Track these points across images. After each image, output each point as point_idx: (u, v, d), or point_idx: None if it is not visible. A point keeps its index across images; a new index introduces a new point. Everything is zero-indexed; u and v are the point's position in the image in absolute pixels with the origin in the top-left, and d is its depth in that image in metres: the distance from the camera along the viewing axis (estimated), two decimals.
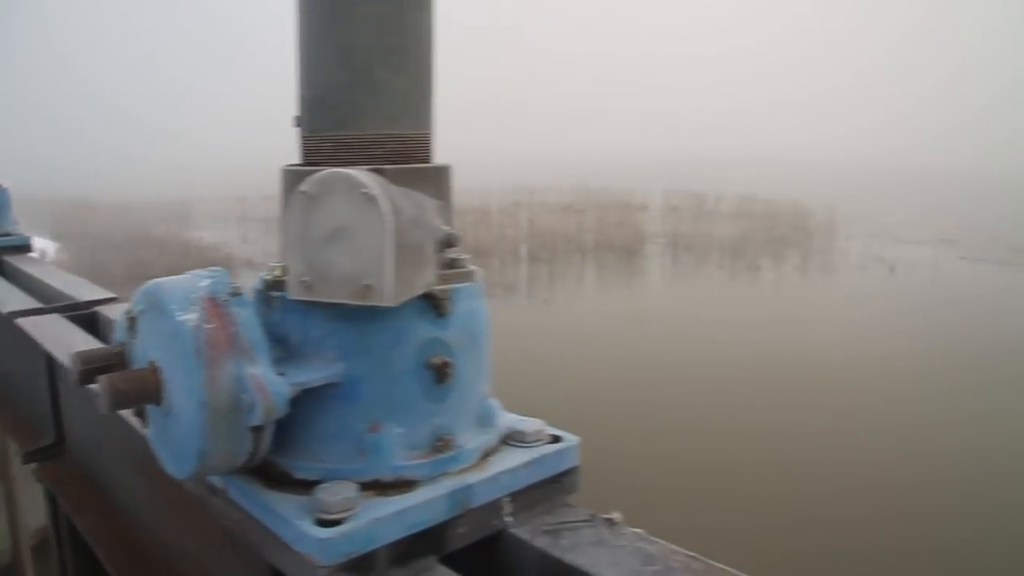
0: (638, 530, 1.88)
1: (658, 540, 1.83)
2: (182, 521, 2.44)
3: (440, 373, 1.83)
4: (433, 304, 1.84)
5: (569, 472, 2.10)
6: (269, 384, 1.64)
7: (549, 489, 2.03)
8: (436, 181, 1.94)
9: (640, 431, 17.37)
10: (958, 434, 17.82)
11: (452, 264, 1.93)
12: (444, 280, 1.89)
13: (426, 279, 1.80)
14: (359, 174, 1.66)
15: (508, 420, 2.11)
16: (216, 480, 1.94)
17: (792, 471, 15.58)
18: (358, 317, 1.75)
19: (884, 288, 36.00)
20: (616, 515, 1.92)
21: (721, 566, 1.67)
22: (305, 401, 1.78)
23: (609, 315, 29.34)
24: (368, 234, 1.63)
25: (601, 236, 45.90)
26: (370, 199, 1.62)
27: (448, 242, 1.85)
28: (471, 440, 1.93)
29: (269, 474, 1.86)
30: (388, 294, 1.64)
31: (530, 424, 2.09)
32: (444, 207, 1.92)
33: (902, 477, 15.34)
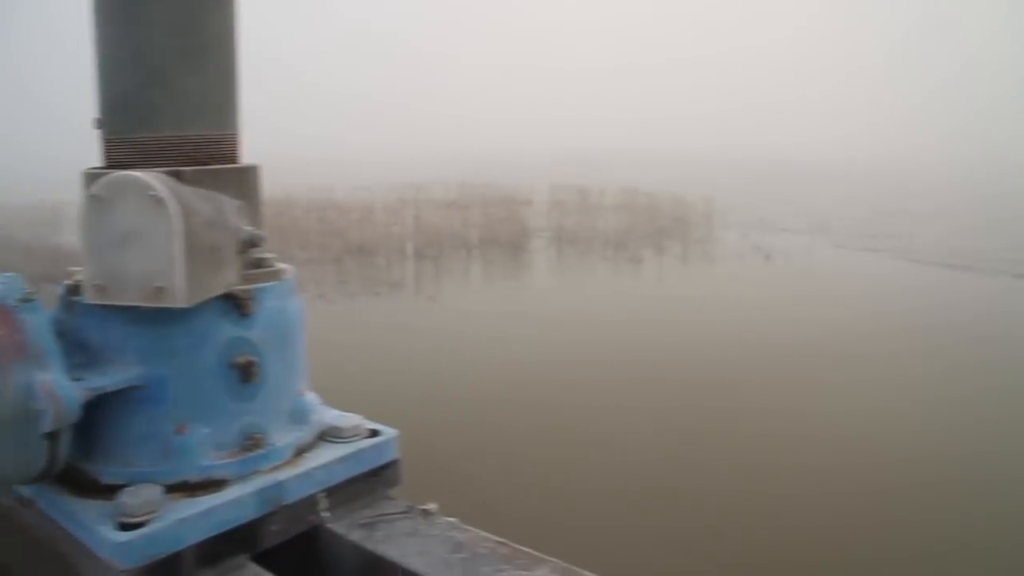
0: (452, 519, 1.94)
1: (470, 528, 1.89)
2: None
3: (246, 372, 1.84)
4: (236, 304, 1.84)
5: (389, 465, 2.13)
6: (59, 390, 1.62)
7: (368, 483, 2.06)
8: (240, 182, 1.94)
9: (523, 426, 17.57)
10: (829, 411, 18.71)
11: (258, 264, 1.94)
12: (248, 280, 1.89)
13: (226, 279, 1.80)
14: (147, 176, 1.65)
15: (328, 416, 2.13)
16: (26, 491, 1.90)
17: (681, 465, 16.05)
18: (156, 319, 1.74)
19: (760, 275, 37.53)
20: (432, 506, 1.97)
21: (527, 550, 1.74)
22: (111, 405, 1.76)
23: (494, 309, 29.54)
24: (158, 236, 1.62)
25: (487, 232, 46.07)
26: (158, 201, 1.62)
27: (252, 242, 1.86)
28: (284, 437, 1.94)
29: (78, 482, 1.84)
30: (181, 295, 1.63)
31: (348, 419, 2.12)
32: (249, 207, 1.93)
33: (781, 460, 16.01)
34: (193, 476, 1.78)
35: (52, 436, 1.67)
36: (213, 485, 1.79)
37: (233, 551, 1.75)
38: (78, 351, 1.75)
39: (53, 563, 1.96)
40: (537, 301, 31.68)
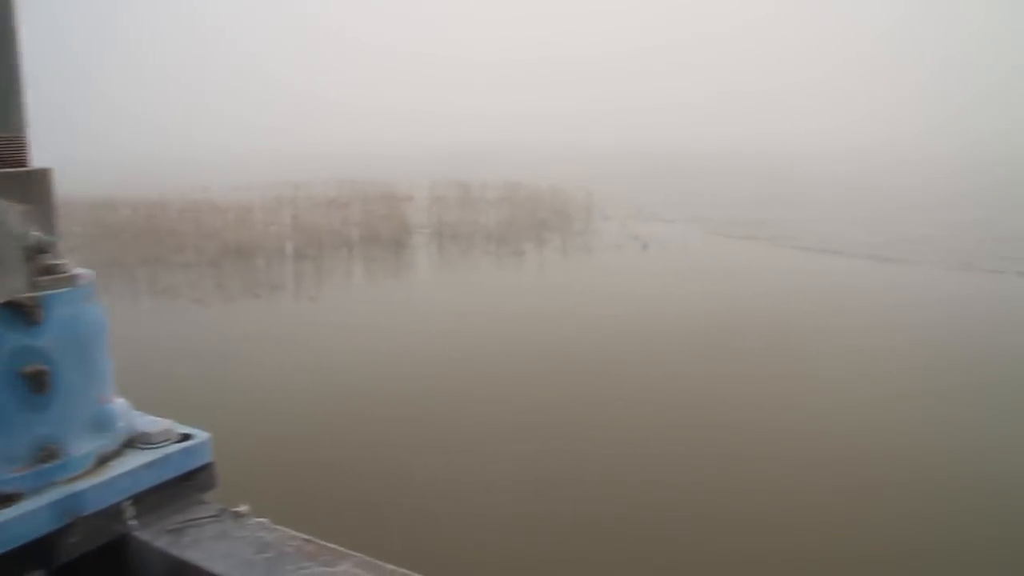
0: (263, 519, 1.93)
1: (279, 528, 1.89)
2: None
3: (37, 382, 1.78)
4: (23, 312, 1.78)
5: (202, 470, 2.10)
6: None
7: (180, 488, 2.03)
8: (28, 186, 1.87)
9: (394, 420, 17.53)
10: (699, 399, 19.37)
11: (49, 270, 1.88)
12: (38, 287, 1.83)
13: (10, 287, 1.74)
14: None
15: (139, 422, 2.08)
16: None
17: (559, 455, 16.30)
18: None
19: (637, 264, 38.53)
20: (243, 507, 1.96)
21: (332, 546, 1.76)
22: None
23: (375, 308, 29.32)
24: None
25: (368, 229, 45.61)
26: None
27: (41, 248, 1.80)
28: (83, 447, 1.89)
29: None
30: None
31: (158, 424, 2.08)
32: (39, 212, 1.86)
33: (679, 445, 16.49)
34: None
35: None
36: (5, 500, 1.73)
37: (27, 567, 1.70)
38: None
39: None
40: (419, 298, 31.58)
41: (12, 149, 1.90)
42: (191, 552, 1.85)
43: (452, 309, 28.81)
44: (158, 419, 2.17)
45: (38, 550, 1.78)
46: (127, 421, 2.10)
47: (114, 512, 1.93)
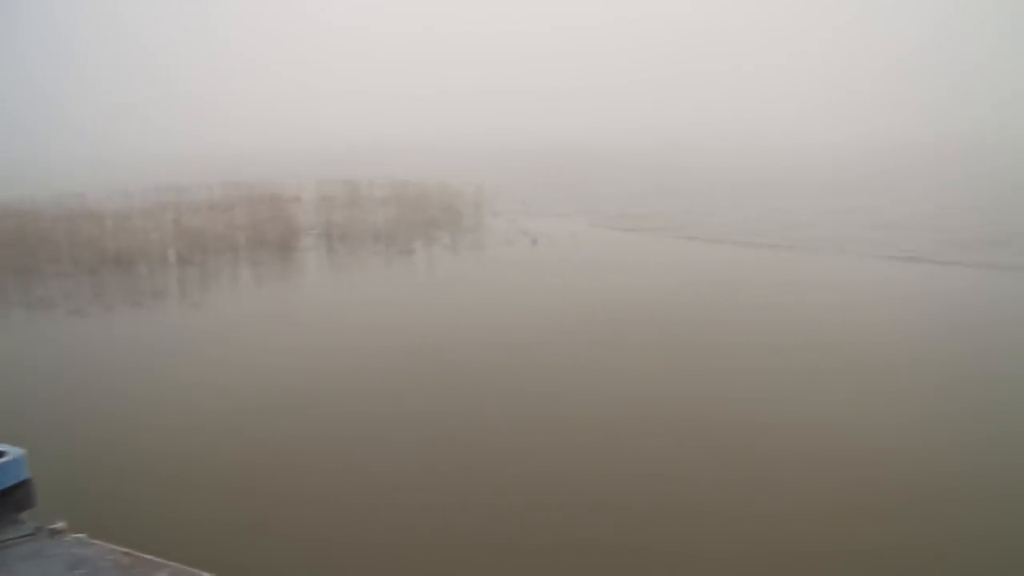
0: (80, 535, 2.09)
1: (96, 542, 2.06)
2: None
3: None
4: None
5: (17, 487, 2.17)
6: None
7: None
8: None
9: (276, 439, 17.57)
10: (586, 392, 20.00)
11: None
12: None
13: None
14: None
15: None
16: None
17: (448, 447, 16.63)
18: None
19: (527, 259, 39.16)
20: (60, 524, 2.11)
21: (149, 557, 1.97)
22: None
23: (261, 312, 28.95)
24: None
25: (254, 232, 44.81)
26: None
27: None
28: None
29: None
30: None
31: None
32: None
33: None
34: None
35: None
36: None
37: None
38: None
39: None
40: (306, 300, 31.32)
41: None
42: (1, 573, 1.89)
43: (340, 311, 28.73)
44: None
45: None
46: None
47: None
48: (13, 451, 2.21)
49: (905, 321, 25.97)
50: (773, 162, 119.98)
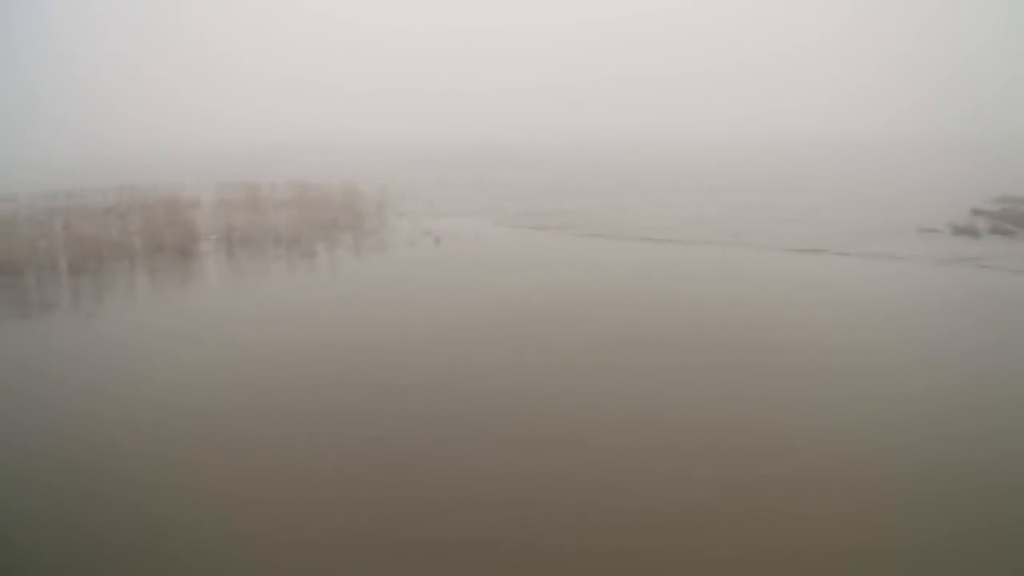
0: None
1: None
2: None
3: None
4: None
5: None
6: None
7: None
8: None
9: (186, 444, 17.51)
10: (482, 387, 20.45)
11: None
12: None
13: None
14: None
15: None
16: None
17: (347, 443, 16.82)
18: None
19: (430, 259, 39.50)
20: None
21: None
22: None
23: (160, 321, 28.43)
24: None
25: (150, 238, 43.76)
26: None
27: None
28: None
29: None
30: None
31: None
32: None
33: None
34: None
35: None
36: None
37: None
38: None
39: None
40: (206, 307, 30.81)
41: None
42: None
43: (241, 317, 28.46)
44: None
45: None
46: None
47: None
48: None
49: (804, 311, 27.45)
50: (680, 160, 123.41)
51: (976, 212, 52.70)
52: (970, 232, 44.71)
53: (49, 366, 23.27)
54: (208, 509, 14.09)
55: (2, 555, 13.01)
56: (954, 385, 19.75)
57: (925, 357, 22.27)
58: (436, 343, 24.21)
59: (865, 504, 13.84)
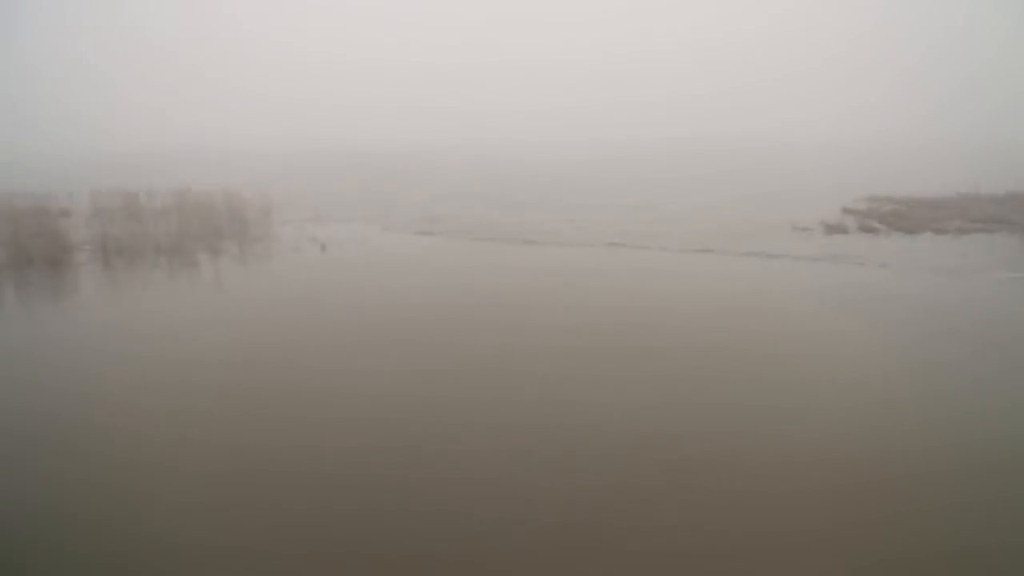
0: None
1: None
2: None
3: None
4: None
5: None
6: None
7: None
8: None
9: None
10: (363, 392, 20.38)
11: None
12: None
13: None
14: None
15: None
16: None
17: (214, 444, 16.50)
18: None
19: (315, 265, 38.97)
20: None
21: None
22: None
23: (29, 336, 27.14)
24: None
25: (17, 250, 41.56)
26: None
27: None
28: None
29: None
30: None
31: None
32: None
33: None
34: None
35: None
36: None
37: None
38: None
39: None
40: (79, 320, 29.51)
41: None
42: None
43: (118, 329, 27.39)
44: None
45: None
46: None
47: None
48: None
49: (687, 310, 28.40)
50: (567, 162, 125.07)
51: (846, 211, 55.55)
52: (840, 230, 47.08)
53: None
54: (67, 522, 13.64)
55: None
56: (828, 375, 20.93)
57: (797, 351, 23.42)
58: (320, 348, 24.03)
59: (724, 493, 14.49)
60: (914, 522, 13.61)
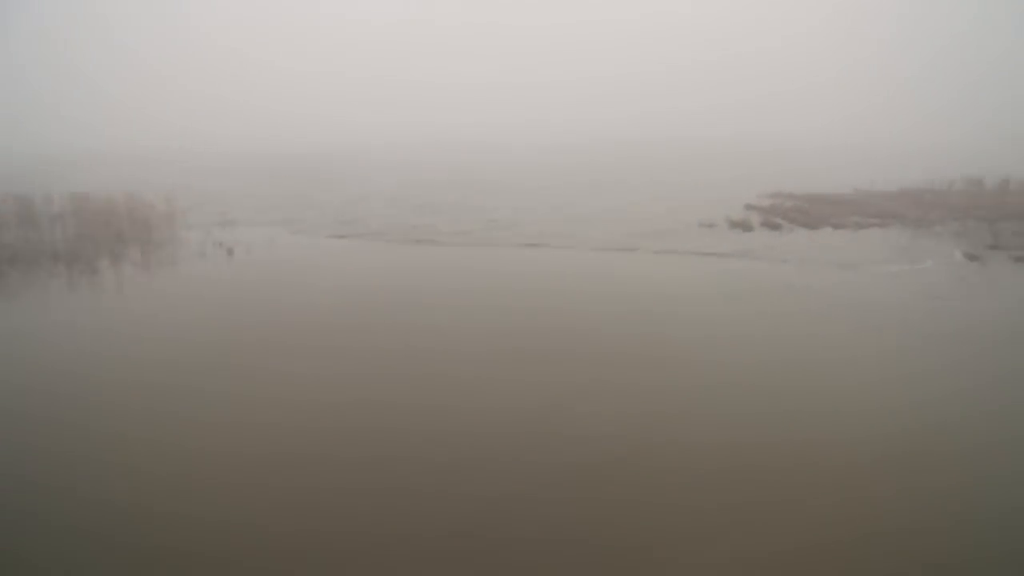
0: None
1: None
2: None
3: None
4: None
5: None
6: None
7: None
8: None
9: None
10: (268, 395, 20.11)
11: None
12: None
13: None
14: None
15: None
16: None
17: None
18: None
19: (223, 269, 38.12)
20: None
21: None
22: None
23: None
24: None
25: None
26: None
27: None
28: None
29: None
30: None
31: None
32: None
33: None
34: None
35: None
36: None
37: None
38: None
39: None
40: None
41: None
42: None
43: (9, 339, 26.37)
44: None
45: None
46: None
47: None
48: None
49: (602, 306, 28.86)
50: (490, 165, 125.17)
51: (749, 207, 57.12)
52: (744, 226, 48.41)
53: None
54: None
55: None
56: (735, 363, 21.65)
57: (705, 342, 24.09)
58: (224, 352, 23.66)
59: (628, 481, 14.83)
60: (786, 502, 14.14)
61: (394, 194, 76.98)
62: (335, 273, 36.87)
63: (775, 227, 48.84)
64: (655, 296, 30.48)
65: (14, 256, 42.30)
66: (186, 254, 43.01)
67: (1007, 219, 49.95)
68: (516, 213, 58.19)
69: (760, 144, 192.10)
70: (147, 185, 73.72)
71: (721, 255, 39.16)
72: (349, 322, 27.39)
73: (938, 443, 16.77)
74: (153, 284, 36.00)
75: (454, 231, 49.69)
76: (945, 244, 41.94)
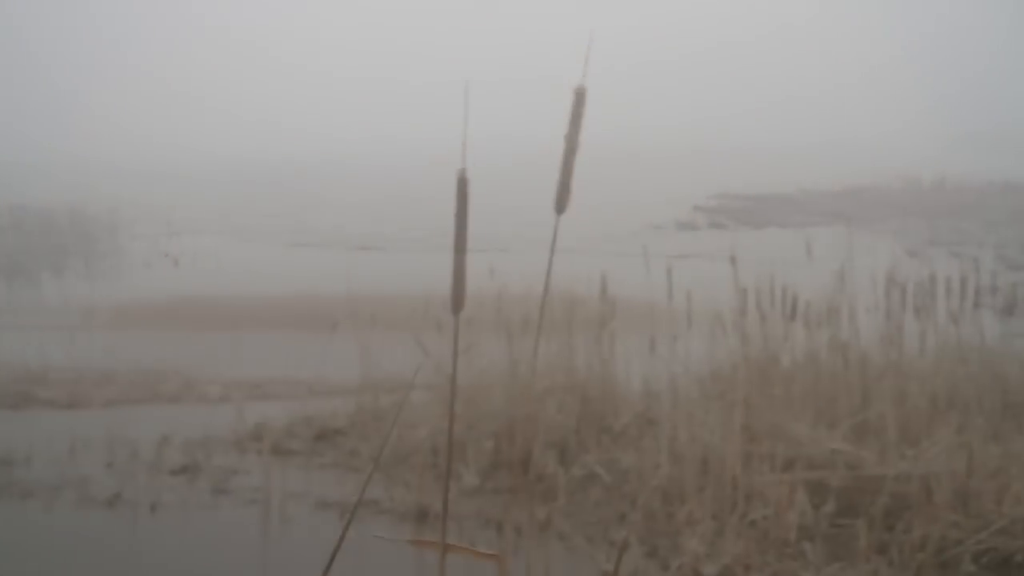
0: None
1: None
2: None
3: None
4: None
5: None
6: None
7: None
8: None
9: None
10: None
11: None
12: None
13: None
14: None
15: None
16: None
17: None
18: None
19: (167, 280, 37.70)
20: None
21: None
22: None
23: None
24: None
25: None
26: None
27: None
28: None
29: None
30: None
31: None
32: None
33: None
34: None
35: None
36: None
37: None
38: None
39: None
40: None
41: None
42: None
43: None
44: None
45: None
46: None
47: None
48: None
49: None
50: (448, 171, 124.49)
51: (697, 208, 58.05)
52: (691, 227, 49.26)
53: None
54: None
55: None
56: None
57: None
58: (169, 363, 23.45)
59: None
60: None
61: (352, 202, 76.54)
62: (285, 281, 36.57)
63: (722, 227, 49.71)
64: (597, 300, 30.76)
65: None
66: (131, 264, 42.50)
67: (944, 216, 51.40)
68: (473, 219, 58.11)
69: (709, 145, 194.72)
70: (90, 194, 72.41)
71: (670, 256, 39.68)
72: (299, 330, 27.22)
73: None
74: (95, 295, 35.43)
75: (406, 238, 49.66)
76: (886, 241, 43.01)
